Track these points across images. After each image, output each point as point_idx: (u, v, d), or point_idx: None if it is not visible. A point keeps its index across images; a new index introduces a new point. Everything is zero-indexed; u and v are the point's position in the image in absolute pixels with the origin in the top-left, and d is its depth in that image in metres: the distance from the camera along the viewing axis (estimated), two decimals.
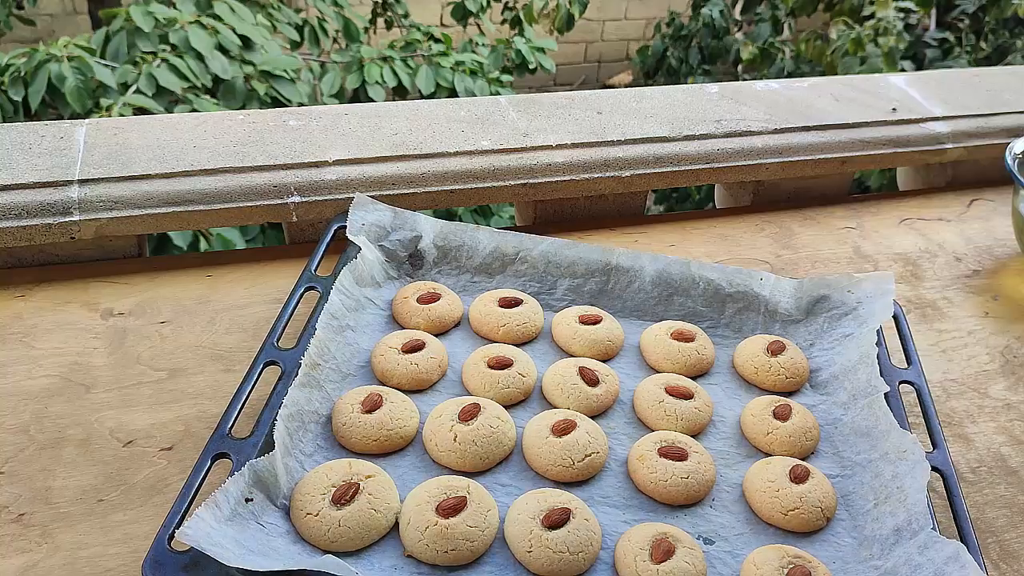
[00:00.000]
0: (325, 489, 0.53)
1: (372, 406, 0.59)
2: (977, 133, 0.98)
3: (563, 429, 0.59)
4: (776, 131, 0.92)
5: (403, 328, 0.70)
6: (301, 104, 1.90)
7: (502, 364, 0.65)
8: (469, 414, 0.59)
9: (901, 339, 0.70)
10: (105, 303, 0.72)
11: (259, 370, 0.60)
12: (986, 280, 0.85)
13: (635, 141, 0.87)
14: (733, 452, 0.62)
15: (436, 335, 0.69)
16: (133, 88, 1.71)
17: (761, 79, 1.12)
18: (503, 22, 2.82)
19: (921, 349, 0.75)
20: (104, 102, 1.67)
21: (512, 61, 2.59)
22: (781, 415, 0.63)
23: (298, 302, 0.67)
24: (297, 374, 0.59)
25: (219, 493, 0.49)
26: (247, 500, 0.51)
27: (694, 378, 0.68)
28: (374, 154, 0.81)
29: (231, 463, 0.53)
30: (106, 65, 1.73)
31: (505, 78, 2.41)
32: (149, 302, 0.72)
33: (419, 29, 2.45)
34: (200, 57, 1.80)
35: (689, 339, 0.69)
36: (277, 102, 1.89)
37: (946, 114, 0.98)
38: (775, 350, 0.68)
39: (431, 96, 2.18)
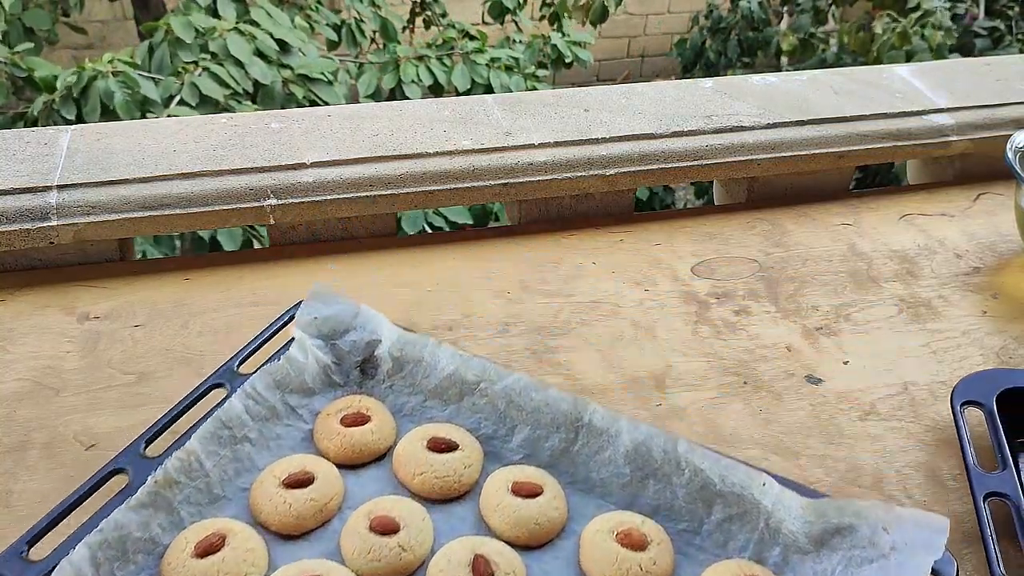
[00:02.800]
0: None
1: (206, 549, 0.49)
2: (984, 125, 0.94)
3: None
4: (768, 126, 0.89)
5: (318, 451, 0.58)
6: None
7: (385, 529, 0.52)
8: None
9: None
10: (82, 307, 0.73)
11: (99, 479, 0.51)
12: (987, 278, 0.82)
13: (620, 139, 0.85)
14: None
15: (350, 466, 0.57)
16: (177, 99, 1.75)
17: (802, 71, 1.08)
18: (542, 18, 2.82)
19: (910, 350, 0.72)
20: (151, 116, 1.71)
21: (548, 56, 2.59)
22: None
23: (195, 401, 0.58)
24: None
25: None
26: None
27: None
28: (353, 155, 0.80)
29: None
30: (150, 78, 1.77)
31: (541, 72, 2.41)
32: (125, 306, 0.73)
33: (455, 27, 2.46)
34: (240, 64, 1.83)
35: (640, 547, 0.52)
36: (315, 104, 1.91)
37: (951, 105, 0.95)
38: None
39: (467, 93, 2.19)
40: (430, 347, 0.62)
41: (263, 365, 0.59)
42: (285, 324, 0.64)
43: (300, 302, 0.63)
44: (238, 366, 0.60)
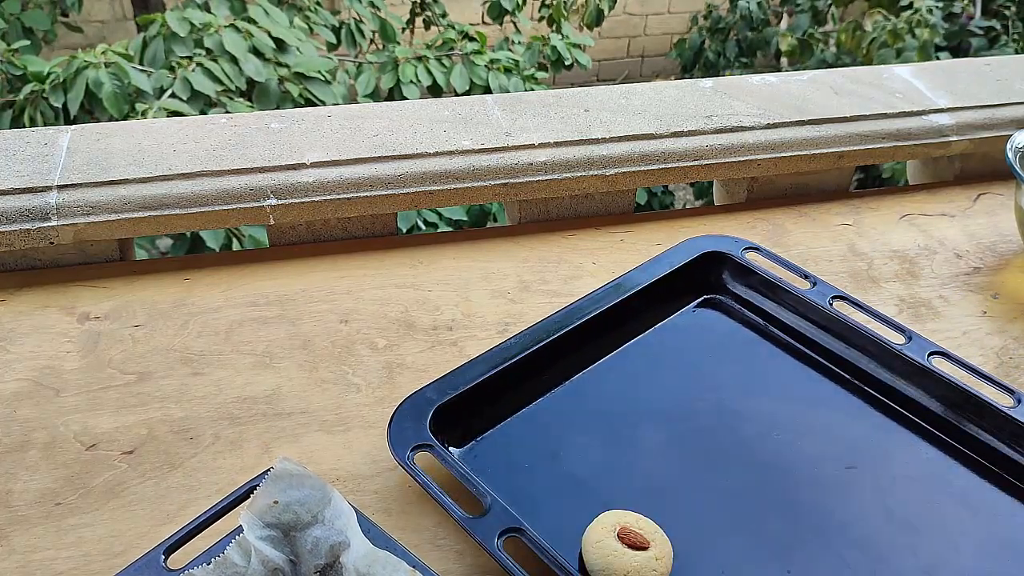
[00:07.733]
0: None
1: (635, 545, 0.51)
2: (984, 125, 0.94)
3: None
4: (768, 126, 0.89)
5: None
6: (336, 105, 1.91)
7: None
8: None
9: None
10: (82, 307, 0.73)
11: None
12: (987, 277, 0.82)
13: (620, 139, 0.85)
14: None
15: None
16: (168, 93, 1.74)
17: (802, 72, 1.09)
18: (540, 19, 2.82)
19: None
20: (140, 107, 1.70)
21: (548, 58, 2.59)
22: None
23: None
24: None
25: None
26: None
27: None
28: (353, 155, 0.80)
29: None
30: (142, 70, 1.77)
31: (540, 75, 2.40)
32: (125, 305, 0.73)
33: (454, 28, 2.46)
34: (234, 60, 1.83)
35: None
36: (311, 103, 1.91)
37: (951, 105, 0.95)
38: None
39: (466, 94, 2.18)
40: (402, 572, 0.48)
41: (189, 566, 0.48)
42: (236, 502, 0.52)
43: (265, 472, 0.51)
44: (165, 557, 0.49)
